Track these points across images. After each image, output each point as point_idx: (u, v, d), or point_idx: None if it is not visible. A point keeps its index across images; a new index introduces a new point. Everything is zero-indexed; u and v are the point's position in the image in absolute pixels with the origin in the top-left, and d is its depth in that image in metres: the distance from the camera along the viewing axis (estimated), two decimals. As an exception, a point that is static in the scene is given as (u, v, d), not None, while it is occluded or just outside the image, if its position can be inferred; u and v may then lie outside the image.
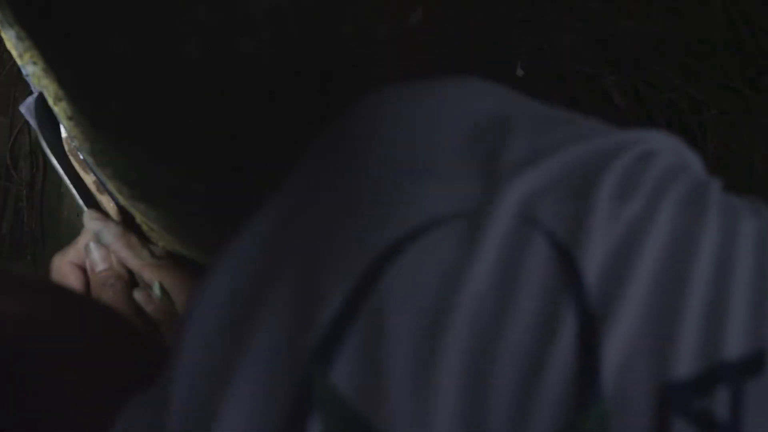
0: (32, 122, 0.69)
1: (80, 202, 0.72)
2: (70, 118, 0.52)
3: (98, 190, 0.73)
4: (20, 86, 1.35)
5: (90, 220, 0.70)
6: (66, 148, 0.70)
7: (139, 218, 0.71)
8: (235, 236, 0.30)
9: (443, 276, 0.25)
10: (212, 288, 0.29)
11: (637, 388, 0.23)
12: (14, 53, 0.49)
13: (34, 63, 0.48)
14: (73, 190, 0.72)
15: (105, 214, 0.71)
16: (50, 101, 0.52)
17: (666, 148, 0.29)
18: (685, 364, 0.23)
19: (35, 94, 0.68)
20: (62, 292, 0.55)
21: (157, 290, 0.68)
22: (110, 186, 0.63)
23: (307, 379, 0.25)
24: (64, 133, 0.69)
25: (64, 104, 0.51)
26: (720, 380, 0.23)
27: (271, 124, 0.46)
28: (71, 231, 1.12)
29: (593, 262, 0.25)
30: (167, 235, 0.70)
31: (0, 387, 0.33)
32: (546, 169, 0.27)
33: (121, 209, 0.71)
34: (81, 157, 0.69)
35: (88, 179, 0.71)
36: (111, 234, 0.68)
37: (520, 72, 0.86)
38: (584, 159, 0.27)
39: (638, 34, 1.19)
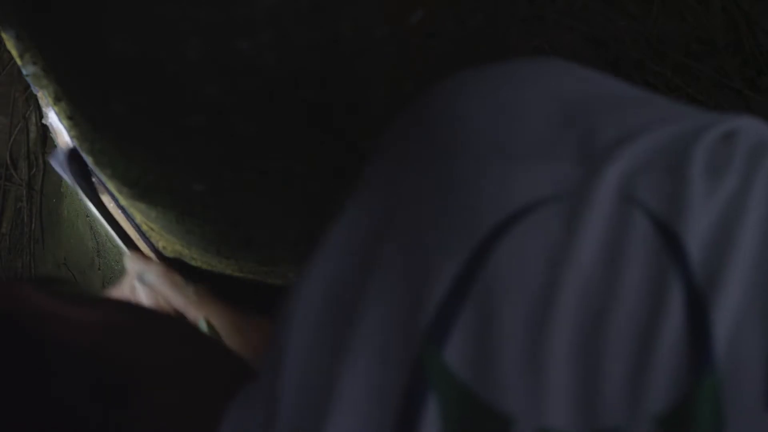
0: (65, 175, 0.72)
1: (121, 244, 0.74)
2: (70, 118, 0.52)
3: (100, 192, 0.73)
4: (20, 86, 1.35)
5: (132, 262, 0.72)
6: (101, 196, 0.72)
7: (139, 218, 0.71)
8: (331, 226, 0.31)
9: (549, 255, 0.26)
10: (315, 275, 0.30)
11: (749, 356, 0.23)
12: (14, 53, 0.49)
13: (34, 63, 0.48)
14: (113, 234, 0.74)
15: (146, 256, 0.73)
16: (50, 101, 0.52)
17: (749, 127, 0.30)
18: None
19: (67, 149, 0.69)
20: (137, 306, 0.57)
21: (203, 326, 0.68)
22: (110, 186, 0.63)
23: (420, 358, 0.26)
24: (97, 182, 0.71)
25: (63, 104, 0.51)
26: None
27: (271, 124, 0.46)
28: (71, 231, 1.12)
29: (695, 236, 0.25)
30: (167, 235, 0.70)
31: (96, 399, 0.34)
32: (639, 148, 0.28)
33: (159, 253, 0.73)
34: (114, 203, 0.71)
35: (126, 224, 0.73)
36: (154, 274, 0.70)
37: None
38: (673, 138, 0.28)
39: (638, 34, 1.19)
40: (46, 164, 1.29)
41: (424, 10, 0.42)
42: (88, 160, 0.59)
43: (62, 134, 0.75)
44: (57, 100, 0.51)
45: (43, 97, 0.56)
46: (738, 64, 1.18)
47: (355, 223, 0.30)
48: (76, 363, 0.34)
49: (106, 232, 0.76)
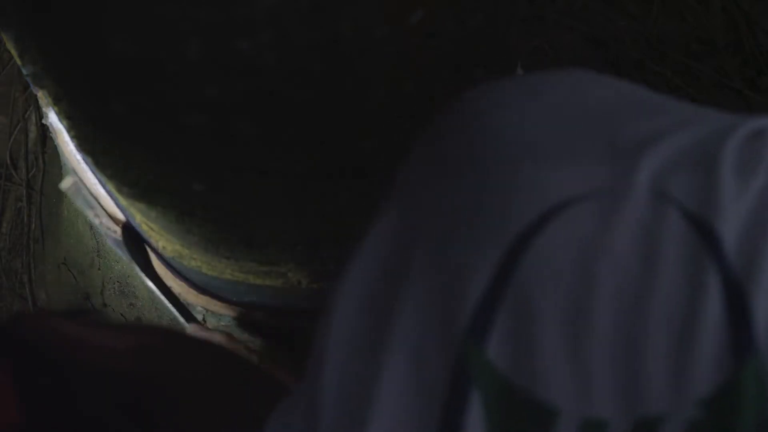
0: (122, 254, 0.73)
1: (181, 319, 0.76)
2: (70, 118, 0.52)
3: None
4: (20, 86, 1.35)
5: (195, 334, 0.74)
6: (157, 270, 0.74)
7: (139, 218, 0.71)
8: (364, 235, 0.32)
9: (584, 250, 0.27)
10: (351, 283, 0.30)
11: None
12: (14, 53, 0.49)
13: (34, 63, 0.48)
14: (173, 309, 0.76)
15: (206, 327, 0.76)
16: (50, 101, 0.52)
17: None
18: None
19: (122, 225, 0.71)
20: (169, 330, 0.58)
21: None
22: (110, 186, 0.63)
23: (461, 356, 0.27)
24: (152, 258, 0.72)
25: (63, 104, 0.51)
26: None
27: (271, 124, 0.46)
28: (71, 231, 1.12)
29: (730, 228, 0.26)
30: (167, 235, 0.70)
31: (129, 418, 0.35)
32: (668, 148, 0.28)
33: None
34: (171, 272, 0.73)
35: (184, 290, 0.74)
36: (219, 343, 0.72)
37: (520, 72, 0.86)
38: (701, 137, 0.29)
39: (638, 34, 1.19)
40: (46, 164, 1.29)
41: (424, 10, 0.42)
42: (88, 160, 0.59)
43: (64, 134, 0.75)
44: (57, 100, 0.51)
45: (43, 97, 0.56)
46: (738, 64, 1.18)
47: (388, 230, 0.31)
48: (107, 385, 0.36)
49: (165, 305, 0.78)
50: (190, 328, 0.75)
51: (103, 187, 0.72)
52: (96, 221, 0.76)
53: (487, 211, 0.29)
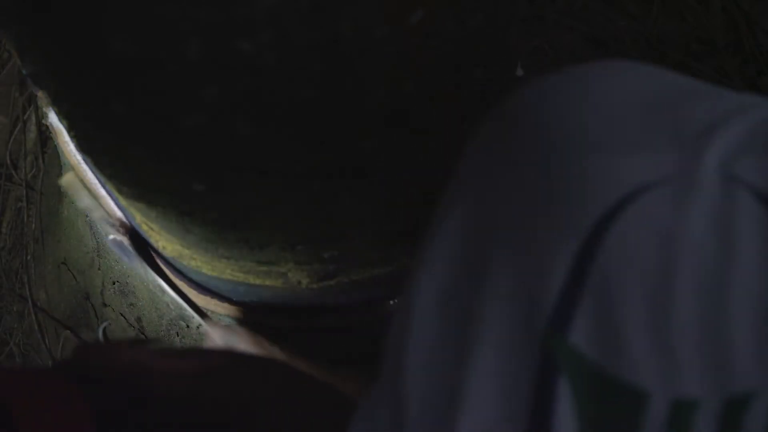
0: (128, 259, 0.74)
1: (196, 316, 0.77)
2: (69, 118, 0.52)
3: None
4: (20, 86, 1.35)
5: (215, 331, 0.76)
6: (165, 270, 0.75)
7: (139, 218, 0.71)
8: (431, 231, 0.32)
9: (662, 234, 0.27)
10: (426, 286, 0.31)
11: None
12: (14, 52, 0.49)
13: (34, 63, 0.48)
14: (186, 306, 0.77)
15: (224, 325, 0.77)
16: (50, 101, 0.52)
17: None
18: None
19: (122, 234, 0.71)
20: (232, 352, 0.59)
21: None
22: (110, 186, 0.63)
23: (547, 345, 0.27)
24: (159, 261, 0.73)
25: (64, 104, 0.51)
26: None
27: (272, 124, 0.46)
28: (71, 231, 1.12)
29: None
30: (167, 235, 0.70)
31: None
32: (731, 132, 0.29)
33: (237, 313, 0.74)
34: (174, 275, 0.73)
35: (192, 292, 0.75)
36: (242, 340, 0.73)
37: (520, 72, 0.86)
38: (761, 120, 0.29)
39: (638, 34, 1.19)
40: (46, 164, 1.29)
41: (424, 10, 0.42)
42: (88, 160, 0.59)
43: (64, 134, 0.75)
44: (57, 100, 0.51)
45: (43, 97, 0.56)
46: (738, 64, 1.18)
47: (458, 226, 0.31)
48: (174, 408, 0.37)
49: (178, 303, 0.78)
50: (206, 325, 0.75)
51: (103, 187, 0.72)
52: (97, 218, 0.76)
53: (563, 200, 0.29)
